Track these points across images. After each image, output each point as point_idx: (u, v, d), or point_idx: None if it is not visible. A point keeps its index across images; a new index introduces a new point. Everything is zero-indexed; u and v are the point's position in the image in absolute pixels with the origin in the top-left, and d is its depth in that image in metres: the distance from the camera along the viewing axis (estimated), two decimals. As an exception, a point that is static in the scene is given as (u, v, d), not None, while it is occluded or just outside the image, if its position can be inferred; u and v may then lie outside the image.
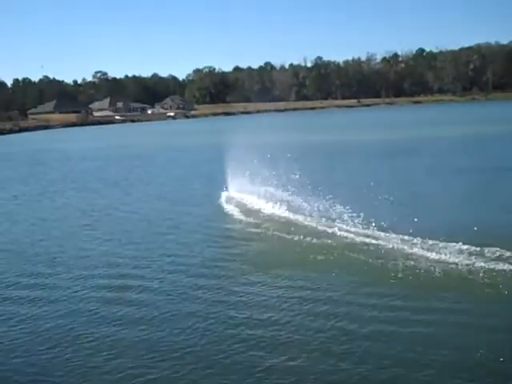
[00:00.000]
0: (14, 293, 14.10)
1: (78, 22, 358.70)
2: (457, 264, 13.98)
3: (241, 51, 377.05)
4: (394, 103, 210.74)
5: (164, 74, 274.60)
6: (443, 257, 14.53)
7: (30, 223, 22.73)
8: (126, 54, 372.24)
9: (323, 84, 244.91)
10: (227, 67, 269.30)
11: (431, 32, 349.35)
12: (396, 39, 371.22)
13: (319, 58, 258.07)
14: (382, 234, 16.79)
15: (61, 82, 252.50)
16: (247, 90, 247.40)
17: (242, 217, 20.99)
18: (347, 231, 17.56)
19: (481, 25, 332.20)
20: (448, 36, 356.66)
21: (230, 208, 22.84)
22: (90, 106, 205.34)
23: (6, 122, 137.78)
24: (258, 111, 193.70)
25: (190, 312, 12.15)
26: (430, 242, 15.55)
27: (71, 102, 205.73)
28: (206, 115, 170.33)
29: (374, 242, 16.29)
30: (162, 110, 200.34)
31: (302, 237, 17.20)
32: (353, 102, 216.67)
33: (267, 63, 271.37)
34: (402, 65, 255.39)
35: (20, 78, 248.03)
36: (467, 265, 13.86)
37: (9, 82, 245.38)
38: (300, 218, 19.69)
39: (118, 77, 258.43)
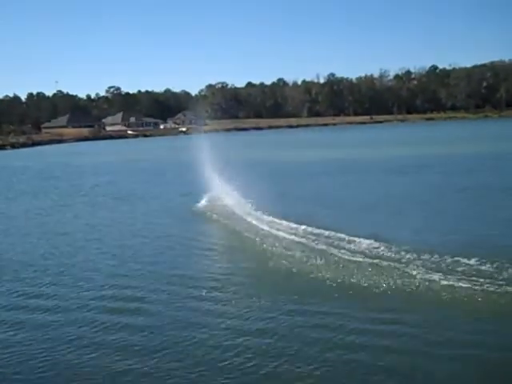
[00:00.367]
0: (20, 303, 14.20)
1: (92, 37, 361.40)
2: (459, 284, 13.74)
3: (254, 67, 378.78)
4: (407, 120, 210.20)
5: (177, 89, 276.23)
6: (447, 276, 14.25)
7: (39, 236, 22.70)
8: (140, 69, 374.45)
9: (336, 100, 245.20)
10: (240, 83, 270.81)
11: (444, 49, 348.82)
12: (409, 56, 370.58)
13: (332, 74, 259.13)
14: (382, 248, 16.78)
15: (74, 97, 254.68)
16: (259, 105, 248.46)
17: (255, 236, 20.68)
18: (348, 249, 17.36)
19: (494, 42, 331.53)
20: (461, 53, 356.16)
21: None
22: (103, 120, 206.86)
23: (20, 135, 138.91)
24: (270, 127, 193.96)
25: (195, 323, 12.12)
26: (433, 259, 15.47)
27: (84, 116, 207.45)
28: (217, 130, 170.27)
29: (372, 260, 16.00)
30: (174, 125, 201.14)
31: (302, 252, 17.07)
32: (365, 118, 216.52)
33: (280, 79, 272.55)
34: (415, 82, 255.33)
35: (34, 93, 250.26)
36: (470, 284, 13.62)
37: (23, 97, 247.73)
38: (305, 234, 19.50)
39: (131, 91, 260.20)
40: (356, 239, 18.05)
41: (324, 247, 17.51)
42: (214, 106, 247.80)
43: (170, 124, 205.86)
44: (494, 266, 14.62)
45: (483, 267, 14.65)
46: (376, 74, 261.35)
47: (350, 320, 12.02)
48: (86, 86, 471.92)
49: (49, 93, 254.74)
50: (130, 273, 16.53)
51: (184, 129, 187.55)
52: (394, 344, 10.82)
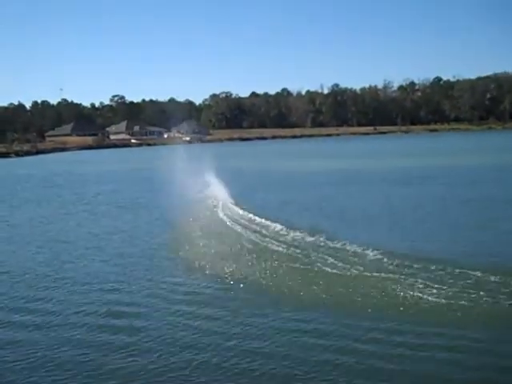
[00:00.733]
0: (17, 308, 14.34)
1: (97, 46, 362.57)
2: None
3: (258, 77, 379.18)
4: (410, 131, 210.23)
5: (181, 98, 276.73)
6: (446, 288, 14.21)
7: (41, 244, 22.74)
8: (144, 78, 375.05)
9: (339, 111, 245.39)
10: (244, 93, 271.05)
11: (448, 61, 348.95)
12: (413, 67, 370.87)
13: (336, 84, 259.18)
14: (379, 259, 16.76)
15: (79, 105, 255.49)
16: (263, 115, 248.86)
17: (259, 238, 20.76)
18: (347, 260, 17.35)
19: (498, 54, 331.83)
20: (465, 65, 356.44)
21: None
22: (107, 129, 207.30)
23: (24, 143, 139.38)
24: (274, 137, 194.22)
25: (188, 337, 12.03)
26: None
27: (88, 124, 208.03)
28: (221, 140, 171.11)
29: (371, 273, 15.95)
30: (178, 135, 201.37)
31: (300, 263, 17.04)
32: (369, 129, 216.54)
33: (284, 89, 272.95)
34: (419, 93, 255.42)
35: (39, 101, 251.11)
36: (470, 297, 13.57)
37: (28, 105, 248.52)
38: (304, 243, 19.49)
39: (135, 100, 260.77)
40: (355, 249, 18.11)
41: (323, 258, 17.46)
42: (218, 116, 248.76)
43: (173, 133, 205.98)
44: (496, 278, 14.58)
45: (485, 279, 14.61)
46: (380, 85, 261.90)
47: (345, 336, 11.95)
48: (91, 94, 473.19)
49: (53, 101, 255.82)
50: (129, 282, 16.52)
51: (188, 138, 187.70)
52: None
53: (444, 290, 13.98)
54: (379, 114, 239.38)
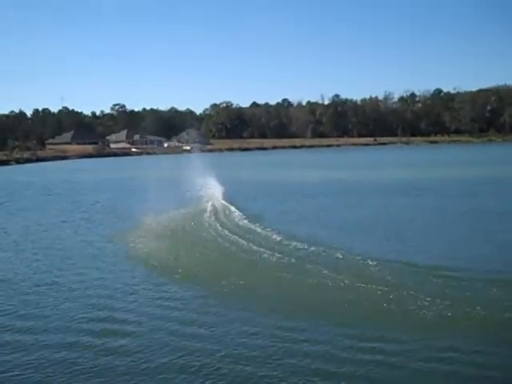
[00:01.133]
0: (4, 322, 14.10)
1: (98, 55, 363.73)
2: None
3: (259, 87, 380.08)
4: (411, 142, 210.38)
5: (181, 107, 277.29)
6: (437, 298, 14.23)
7: (35, 252, 22.68)
8: (145, 87, 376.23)
9: (340, 122, 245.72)
10: (245, 103, 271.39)
11: (449, 73, 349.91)
12: (414, 79, 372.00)
13: (336, 95, 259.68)
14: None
15: (79, 114, 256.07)
16: (264, 125, 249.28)
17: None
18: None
19: (499, 66, 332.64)
20: (466, 77, 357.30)
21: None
22: (107, 137, 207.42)
23: (25, 151, 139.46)
24: (274, 147, 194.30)
25: (180, 347, 11.95)
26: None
27: (89, 133, 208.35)
28: (221, 150, 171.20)
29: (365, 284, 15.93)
30: (178, 144, 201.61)
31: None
32: (369, 140, 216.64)
33: (284, 99, 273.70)
34: (419, 104, 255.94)
35: (40, 109, 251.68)
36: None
37: (29, 113, 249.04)
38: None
39: (135, 109, 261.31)
40: (349, 258, 18.20)
41: (316, 267, 17.44)
42: (218, 126, 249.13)
43: (174, 142, 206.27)
44: (491, 289, 14.57)
45: (478, 289, 14.73)
46: (380, 96, 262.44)
47: (336, 345, 11.92)
48: (92, 103, 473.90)
49: (54, 109, 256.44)
50: (123, 289, 16.46)
51: (188, 147, 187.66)
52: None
53: (437, 300, 13.94)
54: (380, 125, 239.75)
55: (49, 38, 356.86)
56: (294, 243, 21.11)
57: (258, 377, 10.57)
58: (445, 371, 10.56)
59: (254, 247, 20.64)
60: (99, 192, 48.98)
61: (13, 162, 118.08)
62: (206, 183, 39.26)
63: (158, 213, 29.55)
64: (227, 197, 34.55)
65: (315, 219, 29.16)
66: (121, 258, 20.80)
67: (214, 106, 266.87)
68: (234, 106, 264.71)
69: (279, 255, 19.22)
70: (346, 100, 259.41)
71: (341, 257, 18.66)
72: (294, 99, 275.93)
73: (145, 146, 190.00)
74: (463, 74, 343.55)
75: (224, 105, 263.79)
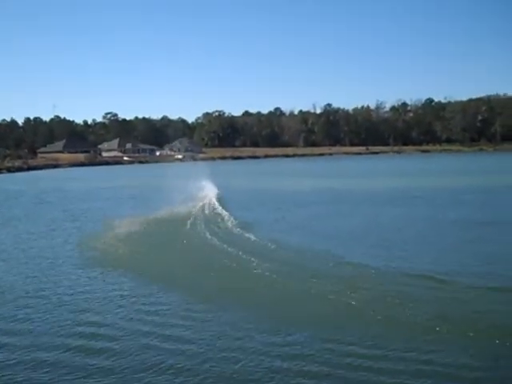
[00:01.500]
0: None
1: (90, 63, 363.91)
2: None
3: (251, 97, 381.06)
4: (402, 151, 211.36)
5: (174, 116, 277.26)
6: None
7: (25, 261, 22.58)
8: (137, 95, 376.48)
9: (332, 131, 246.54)
10: (237, 111, 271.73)
11: (440, 82, 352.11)
12: (405, 88, 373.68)
13: (328, 104, 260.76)
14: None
15: (71, 122, 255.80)
16: (256, 134, 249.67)
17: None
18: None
19: (490, 76, 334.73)
20: (457, 87, 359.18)
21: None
22: (99, 146, 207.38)
23: (16, 160, 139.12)
24: (266, 156, 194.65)
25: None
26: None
27: (81, 141, 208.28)
28: (213, 159, 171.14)
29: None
30: (170, 152, 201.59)
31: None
32: (361, 149, 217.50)
33: (277, 108, 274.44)
34: (411, 114, 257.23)
35: (31, 117, 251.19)
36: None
37: (20, 121, 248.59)
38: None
39: (128, 118, 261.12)
40: (337, 266, 18.27)
41: (303, 275, 17.52)
42: (210, 134, 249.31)
43: (166, 151, 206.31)
44: (477, 296, 14.75)
45: (461, 296, 14.96)
46: (372, 106, 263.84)
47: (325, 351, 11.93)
48: (83, 111, 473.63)
49: (46, 118, 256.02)
50: (111, 299, 16.43)
51: (180, 156, 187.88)
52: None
53: (421, 308, 14.11)
54: (371, 134, 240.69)
55: (40, 46, 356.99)
56: (283, 251, 21.19)
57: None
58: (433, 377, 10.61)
59: (243, 255, 20.65)
60: (91, 201, 48.85)
61: (4, 171, 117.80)
62: (198, 192, 39.33)
63: (148, 223, 29.61)
64: (220, 204, 34.58)
65: (307, 228, 29.17)
66: (110, 266, 20.71)
67: (207, 114, 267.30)
68: (226, 114, 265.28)
69: (268, 263, 19.22)
70: (338, 109, 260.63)
71: (331, 265, 18.80)
72: (286, 108, 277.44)
73: (137, 155, 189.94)
74: (454, 84, 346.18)
75: (216, 113, 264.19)
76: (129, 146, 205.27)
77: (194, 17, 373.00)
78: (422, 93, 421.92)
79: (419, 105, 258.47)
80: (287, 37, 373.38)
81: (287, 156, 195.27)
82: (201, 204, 34.94)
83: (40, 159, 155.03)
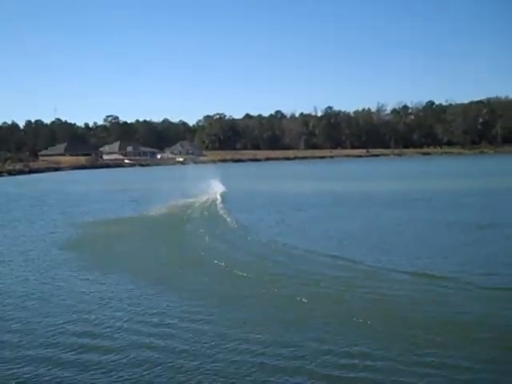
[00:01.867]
0: None
1: (91, 66, 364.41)
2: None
3: (252, 100, 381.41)
4: (403, 154, 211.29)
5: (175, 119, 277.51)
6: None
7: (20, 263, 22.58)
8: (138, 98, 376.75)
9: (333, 133, 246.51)
10: (238, 114, 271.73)
11: (441, 85, 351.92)
12: (406, 91, 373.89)
13: (329, 107, 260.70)
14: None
15: (72, 125, 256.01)
16: (257, 137, 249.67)
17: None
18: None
19: (490, 79, 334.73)
20: (458, 89, 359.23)
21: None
22: (100, 149, 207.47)
23: (17, 163, 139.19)
24: (267, 159, 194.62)
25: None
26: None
27: (82, 144, 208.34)
28: (214, 161, 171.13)
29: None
30: (171, 155, 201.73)
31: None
32: (362, 151, 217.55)
33: (278, 111, 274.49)
34: (412, 116, 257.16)
35: (33, 120, 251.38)
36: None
37: (21, 124, 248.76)
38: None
39: (128, 121, 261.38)
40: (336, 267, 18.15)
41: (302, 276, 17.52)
42: (211, 137, 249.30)
43: (167, 154, 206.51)
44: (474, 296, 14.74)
45: (458, 297, 14.94)
46: (373, 108, 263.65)
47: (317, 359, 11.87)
48: (85, 114, 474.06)
49: (47, 120, 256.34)
50: (109, 303, 16.41)
51: (181, 159, 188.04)
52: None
53: (420, 308, 14.12)
54: (372, 136, 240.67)
55: (41, 48, 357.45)
56: (282, 253, 21.20)
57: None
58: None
59: (241, 257, 20.70)
60: (91, 203, 48.83)
61: (5, 174, 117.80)
62: (200, 194, 39.40)
63: (148, 226, 29.64)
64: (221, 206, 34.66)
65: (307, 229, 29.15)
66: (109, 268, 20.70)
67: (207, 117, 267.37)
68: (227, 117, 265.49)
69: (267, 264, 19.25)
70: (339, 112, 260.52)
71: (329, 266, 18.86)
72: (287, 111, 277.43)
73: (138, 158, 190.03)
74: (455, 86, 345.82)
75: (217, 116, 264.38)
76: (130, 148, 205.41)
77: (195, 18, 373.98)
78: (423, 95, 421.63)
79: (420, 107, 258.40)
80: (288, 38, 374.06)
81: (288, 159, 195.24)
82: (203, 202, 35.00)
83: (41, 162, 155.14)
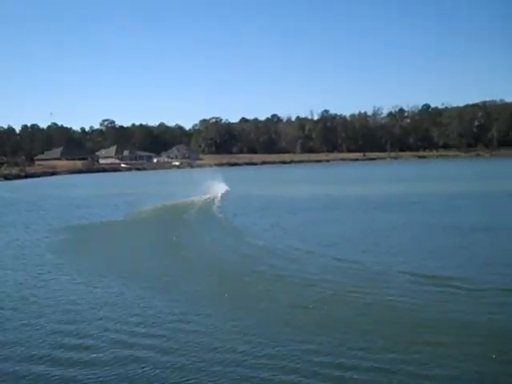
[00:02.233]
0: None
1: (87, 70, 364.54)
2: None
3: (248, 103, 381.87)
4: (399, 157, 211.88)
5: (171, 123, 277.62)
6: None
7: (14, 267, 22.52)
8: (134, 103, 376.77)
9: (329, 137, 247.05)
10: (234, 118, 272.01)
11: (437, 88, 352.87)
12: (402, 94, 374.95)
13: (326, 111, 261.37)
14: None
15: (68, 129, 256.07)
16: (253, 141, 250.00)
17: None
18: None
19: (486, 82, 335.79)
20: (454, 93, 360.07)
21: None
22: (97, 153, 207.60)
23: (13, 167, 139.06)
24: (263, 162, 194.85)
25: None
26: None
27: (78, 149, 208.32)
28: (210, 165, 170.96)
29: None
30: (167, 159, 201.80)
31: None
32: (358, 155, 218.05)
33: (274, 115, 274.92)
34: (408, 120, 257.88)
35: (29, 125, 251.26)
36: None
37: (17, 128, 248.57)
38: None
39: (125, 125, 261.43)
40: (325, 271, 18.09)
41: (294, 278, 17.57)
42: (207, 141, 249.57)
43: (163, 158, 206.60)
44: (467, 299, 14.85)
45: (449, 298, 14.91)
46: (369, 112, 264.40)
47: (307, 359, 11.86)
48: (81, 118, 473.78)
49: (43, 125, 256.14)
50: (97, 302, 16.40)
51: (177, 163, 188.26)
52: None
53: (415, 310, 14.09)
54: (369, 140, 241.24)
55: (37, 52, 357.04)
56: (276, 256, 21.22)
57: None
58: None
59: (236, 260, 20.68)
60: (88, 208, 48.74)
61: (1, 179, 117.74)
62: (196, 196, 39.39)
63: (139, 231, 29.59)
64: (217, 210, 34.65)
65: (302, 233, 29.13)
66: (103, 272, 20.66)
67: (204, 121, 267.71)
68: (223, 121, 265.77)
69: (262, 267, 19.24)
70: (335, 115, 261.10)
71: (322, 269, 18.85)
72: (283, 115, 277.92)
73: (134, 162, 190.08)
74: (451, 89, 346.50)
75: (213, 120, 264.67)
76: (126, 153, 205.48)
77: (191, 21, 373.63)
78: (419, 99, 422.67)
79: (416, 111, 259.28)
80: (284, 41, 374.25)
81: (284, 162, 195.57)
82: (200, 205, 35.02)
83: (37, 166, 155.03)
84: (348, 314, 14.42)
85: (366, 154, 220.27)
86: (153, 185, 78.21)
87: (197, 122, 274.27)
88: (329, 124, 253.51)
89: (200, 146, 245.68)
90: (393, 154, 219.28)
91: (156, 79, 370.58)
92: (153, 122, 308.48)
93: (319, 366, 11.29)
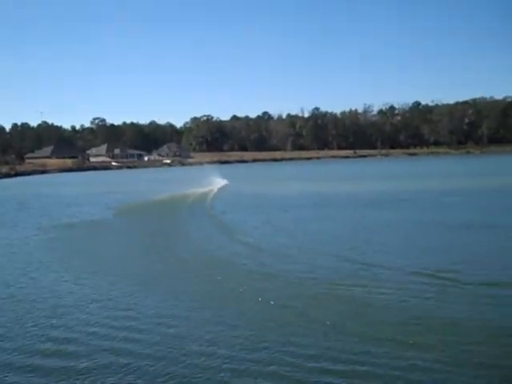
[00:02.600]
0: None
1: (77, 69, 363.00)
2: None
3: (239, 101, 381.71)
4: (390, 155, 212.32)
5: (162, 121, 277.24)
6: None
7: (2, 266, 22.41)
8: (125, 101, 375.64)
9: (320, 134, 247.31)
10: (225, 116, 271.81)
11: (427, 86, 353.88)
12: (393, 92, 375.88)
13: (316, 108, 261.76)
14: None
15: (59, 128, 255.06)
16: (244, 138, 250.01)
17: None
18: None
19: (476, 80, 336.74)
20: (444, 90, 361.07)
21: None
22: (88, 151, 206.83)
23: (3, 166, 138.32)
24: (255, 160, 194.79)
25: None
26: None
27: (69, 147, 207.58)
28: (201, 163, 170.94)
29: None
30: (158, 157, 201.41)
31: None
32: (349, 152, 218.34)
33: (265, 113, 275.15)
34: (398, 117, 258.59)
35: (19, 123, 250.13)
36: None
37: (7, 127, 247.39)
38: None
39: (116, 123, 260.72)
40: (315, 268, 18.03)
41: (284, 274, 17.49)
42: (198, 139, 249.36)
43: (154, 156, 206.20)
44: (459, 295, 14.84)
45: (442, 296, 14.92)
46: (360, 109, 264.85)
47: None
48: (71, 117, 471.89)
49: (33, 123, 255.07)
50: (86, 299, 16.31)
51: (168, 161, 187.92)
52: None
53: (406, 308, 14.10)
54: (359, 137, 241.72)
55: (26, 51, 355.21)
56: (265, 253, 21.19)
57: None
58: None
59: (227, 257, 20.61)
60: (77, 206, 48.52)
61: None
62: (187, 196, 39.30)
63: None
64: (209, 207, 34.59)
65: (292, 230, 29.12)
66: (91, 269, 20.57)
67: (195, 119, 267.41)
68: (214, 119, 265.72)
69: (252, 264, 19.19)
70: (326, 113, 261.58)
71: (312, 266, 18.81)
72: (274, 112, 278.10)
73: (125, 160, 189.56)
74: (441, 87, 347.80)
75: (204, 118, 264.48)
76: (117, 151, 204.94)
77: (181, 21, 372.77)
78: (409, 96, 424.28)
79: (406, 108, 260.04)
80: (274, 40, 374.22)
81: (275, 160, 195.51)
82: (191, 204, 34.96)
83: (27, 165, 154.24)
84: (336, 311, 14.38)
85: (357, 151, 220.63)
86: (143, 183, 77.94)
87: (188, 119, 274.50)
88: (319, 121, 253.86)
89: (191, 144, 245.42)
90: (383, 152, 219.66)
91: (147, 78, 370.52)
92: (144, 120, 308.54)
93: (305, 365, 11.27)
